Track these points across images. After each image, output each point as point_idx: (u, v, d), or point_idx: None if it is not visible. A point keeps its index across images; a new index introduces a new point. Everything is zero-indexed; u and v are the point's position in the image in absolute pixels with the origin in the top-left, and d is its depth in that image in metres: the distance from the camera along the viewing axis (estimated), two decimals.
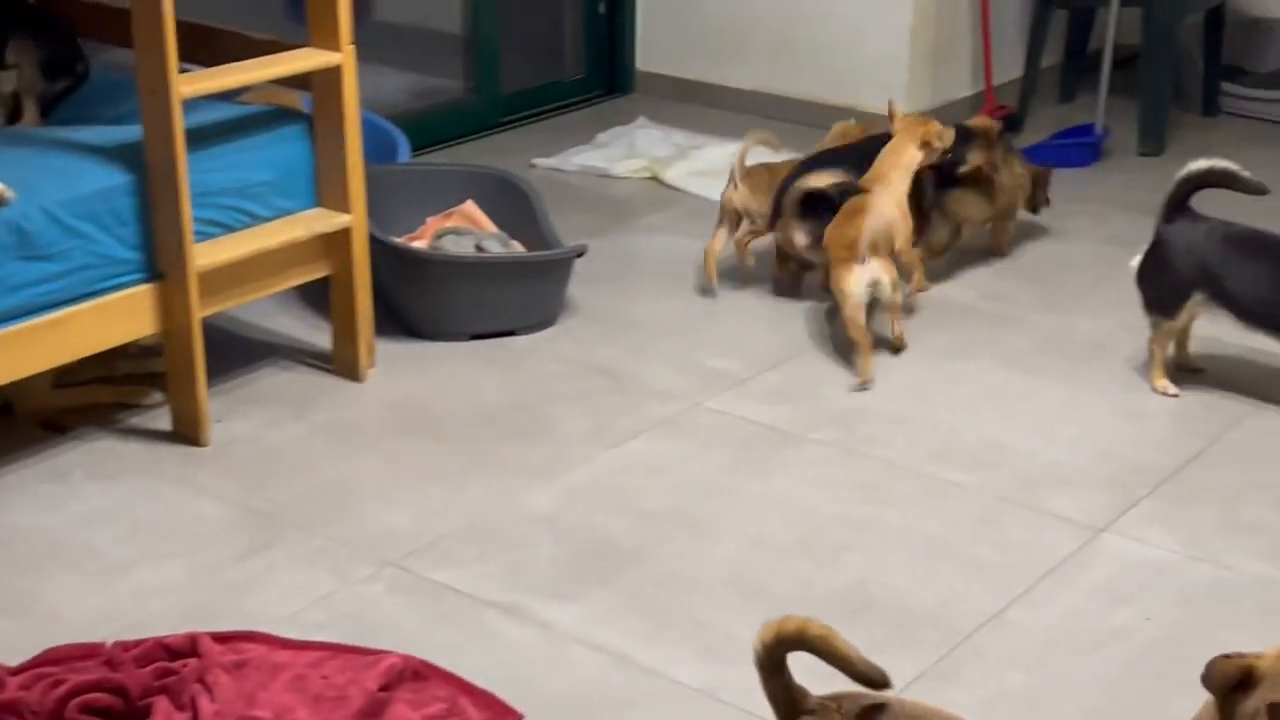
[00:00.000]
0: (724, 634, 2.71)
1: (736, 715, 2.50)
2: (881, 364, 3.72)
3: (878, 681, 1.97)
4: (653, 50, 5.61)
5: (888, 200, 3.70)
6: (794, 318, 3.96)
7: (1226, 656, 1.88)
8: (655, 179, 4.90)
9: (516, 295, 3.85)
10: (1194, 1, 5.25)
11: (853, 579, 2.88)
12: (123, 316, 3.15)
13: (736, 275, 4.16)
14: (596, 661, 2.63)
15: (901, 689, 2.55)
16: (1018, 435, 3.38)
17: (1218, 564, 2.92)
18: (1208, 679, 1.89)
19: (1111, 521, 3.05)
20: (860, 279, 3.57)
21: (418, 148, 4.64)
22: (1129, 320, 3.91)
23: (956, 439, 3.37)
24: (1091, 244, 4.46)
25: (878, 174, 3.77)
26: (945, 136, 3.86)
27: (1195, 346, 3.69)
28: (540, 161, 5.00)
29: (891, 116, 3.90)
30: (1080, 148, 5.09)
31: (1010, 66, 5.42)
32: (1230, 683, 1.87)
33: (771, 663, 2.00)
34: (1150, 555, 2.95)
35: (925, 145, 3.81)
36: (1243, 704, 1.86)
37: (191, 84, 3.13)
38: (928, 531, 3.03)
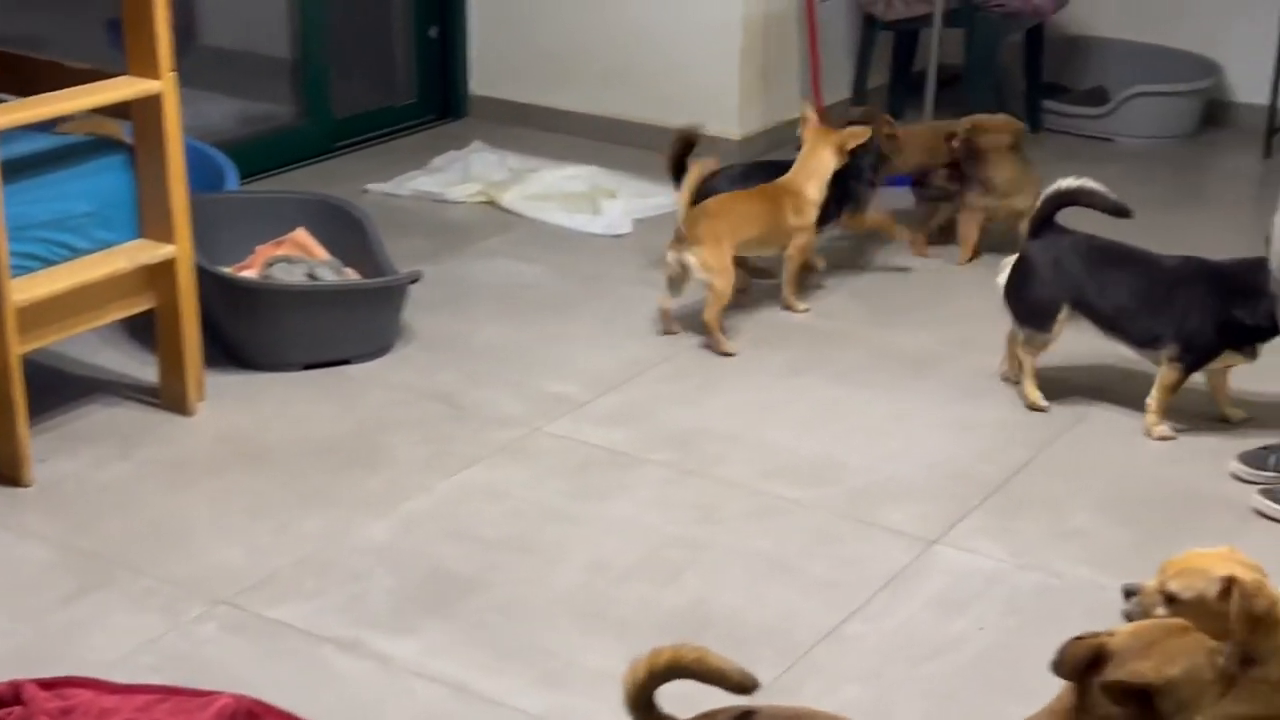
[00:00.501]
0: (565, 660, 2.70)
1: None
2: (718, 384, 3.75)
3: (749, 687, 1.98)
4: (486, 74, 5.60)
5: (752, 203, 4.04)
6: (631, 340, 3.98)
7: (1079, 638, 1.92)
8: (491, 203, 4.89)
9: (351, 323, 3.81)
10: (1014, 21, 5.39)
11: (692, 598, 2.89)
12: None
13: (569, 299, 4.17)
14: (436, 693, 2.61)
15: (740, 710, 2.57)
16: (851, 451, 3.43)
17: (1046, 571, 3.00)
18: (1059, 665, 1.94)
19: (943, 533, 3.11)
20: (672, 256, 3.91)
21: (248, 175, 4.57)
22: (957, 335, 4.02)
23: (792, 456, 3.41)
24: (920, 260, 4.55)
25: (790, 182, 4.10)
26: (858, 136, 4.15)
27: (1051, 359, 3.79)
28: (374, 187, 4.96)
29: (804, 122, 4.20)
30: None
31: (839, 87, 5.51)
32: (1082, 664, 1.92)
33: (644, 700, 1.98)
34: (981, 565, 3.01)
35: (840, 150, 4.11)
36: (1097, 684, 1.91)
37: (5, 114, 3.05)
38: (765, 549, 3.06)
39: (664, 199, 4.86)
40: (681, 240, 3.89)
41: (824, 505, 3.21)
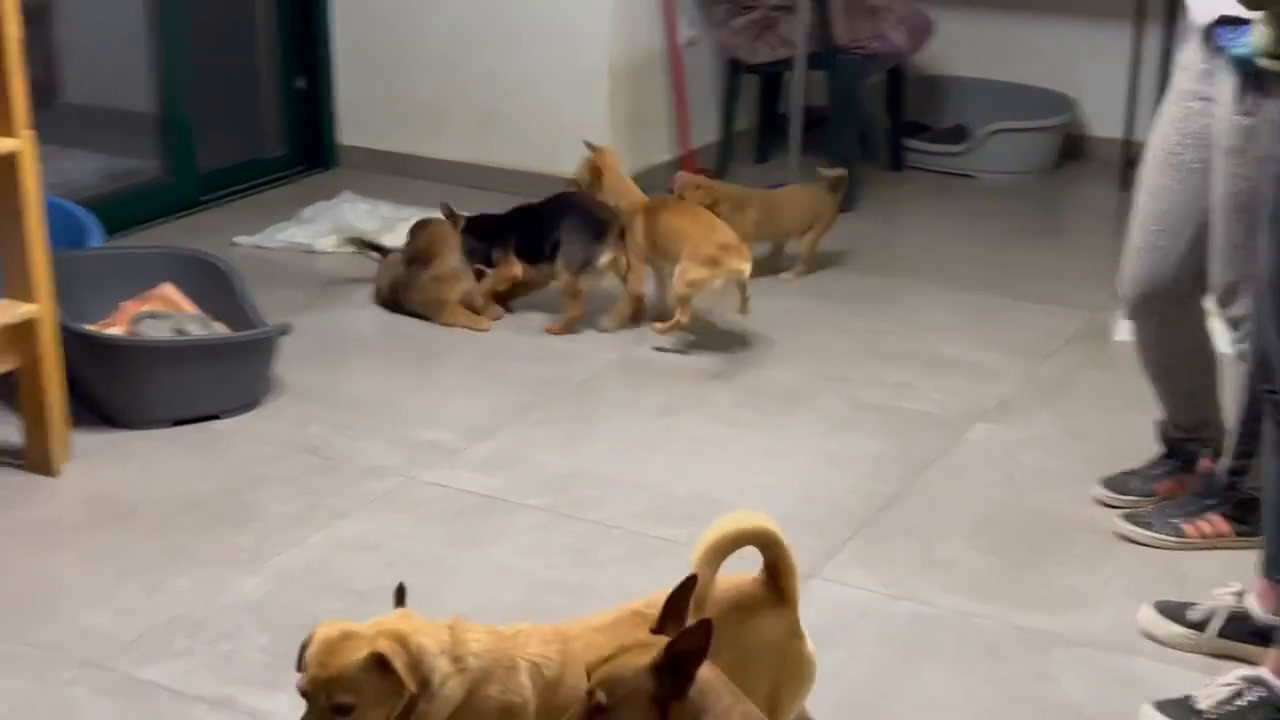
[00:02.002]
0: None
1: None
2: (595, 426, 3.77)
3: None
4: (354, 123, 5.60)
5: None
6: (503, 385, 3.99)
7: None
8: (361, 254, 4.87)
9: (220, 377, 3.77)
10: (874, 63, 5.51)
11: None
12: None
13: (441, 347, 4.18)
14: None
15: None
16: (726, 488, 3.47)
17: (917, 600, 3.04)
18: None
19: (818, 568, 3.14)
20: None
21: (114, 230, 4.52)
22: (825, 370, 4.08)
23: (667, 496, 3.44)
24: (791, 298, 4.62)
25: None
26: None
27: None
28: (242, 240, 4.92)
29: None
30: None
31: (707, 130, 5.59)
32: None
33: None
34: (855, 597, 3.05)
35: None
36: None
37: None
38: (642, 589, 3.05)
39: None
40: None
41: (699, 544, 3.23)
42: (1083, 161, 5.99)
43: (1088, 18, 5.88)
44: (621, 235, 4.30)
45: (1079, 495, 3.44)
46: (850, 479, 3.52)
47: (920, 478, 3.53)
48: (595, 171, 4.44)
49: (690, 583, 1.97)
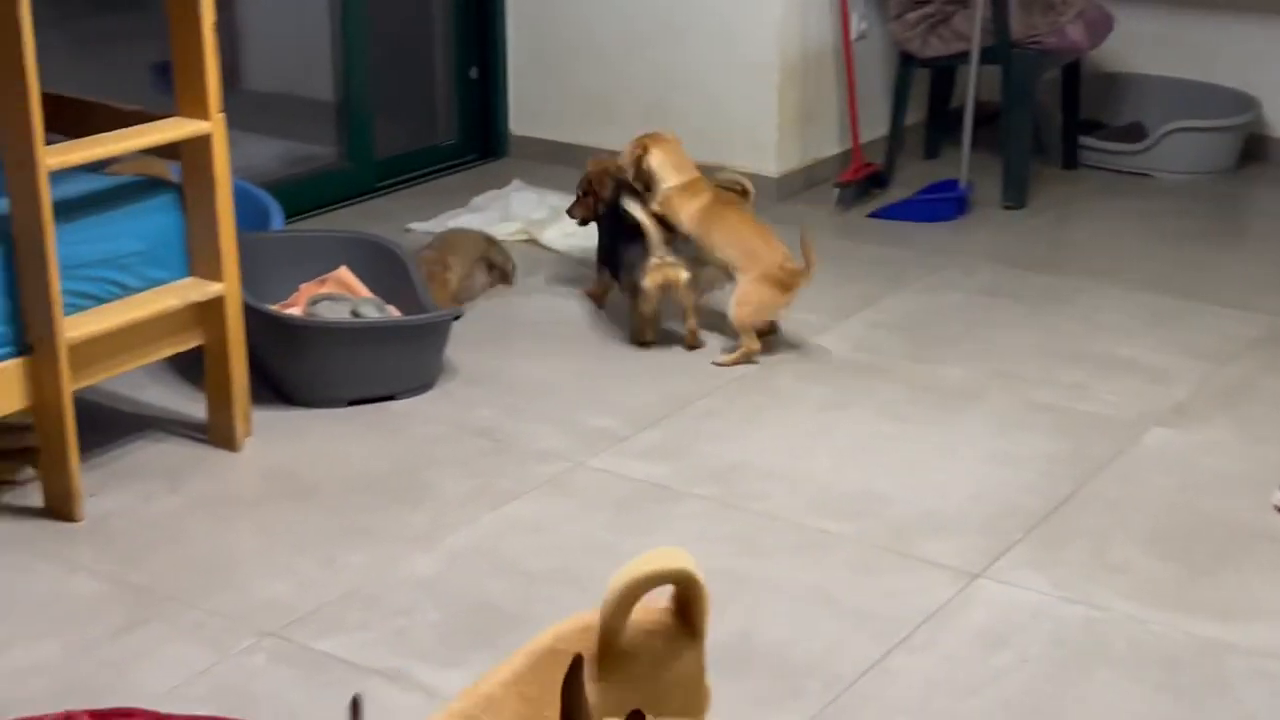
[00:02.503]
0: None
1: None
2: (760, 418, 3.77)
3: None
4: (526, 114, 5.66)
5: None
6: (671, 375, 4.00)
7: None
8: (531, 241, 4.93)
9: (394, 359, 3.85)
10: (1051, 59, 5.41)
11: (735, 631, 2.89)
12: None
13: (609, 334, 4.20)
14: None
15: None
16: (893, 484, 3.44)
17: (1089, 605, 2.99)
18: None
19: (986, 566, 3.11)
20: None
21: (292, 215, 4.63)
22: (994, 368, 4.02)
23: (833, 489, 3.42)
24: (959, 294, 4.57)
25: None
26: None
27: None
28: (416, 226, 5.01)
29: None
30: (946, 202, 5.21)
31: (876, 125, 5.54)
32: None
33: None
34: (1025, 598, 3.01)
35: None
36: None
37: (58, 155, 3.09)
38: (807, 582, 3.07)
39: None
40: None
41: (866, 538, 3.22)
42: (1264, 164, 5.82)
43: (1273, 15, 5.71)
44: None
45: (1259, 502, 3.35)
46: (1022, 478, 3.47)
47: (1094, 480, 3.47)
48: (638, 158, 4.22)
49: (576, 669, 1.83)
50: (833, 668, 2.79)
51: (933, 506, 3.35)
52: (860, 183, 5.30)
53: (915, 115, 5.71)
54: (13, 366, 3.14)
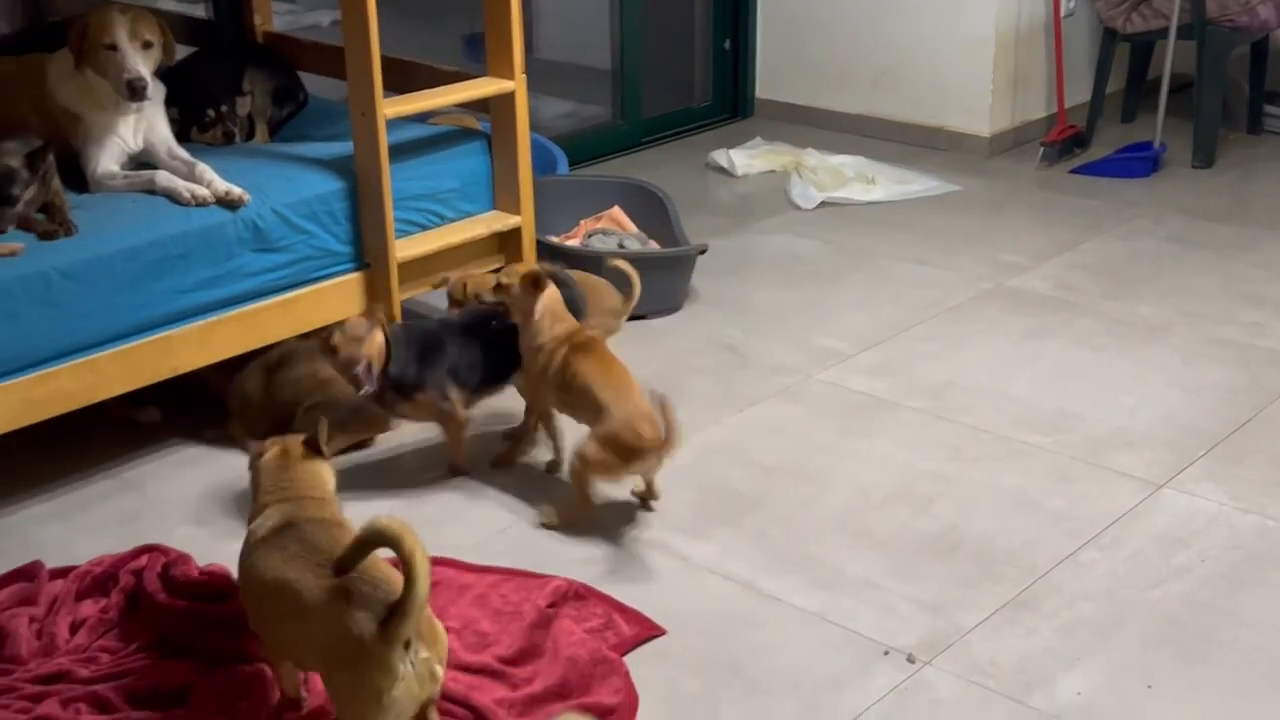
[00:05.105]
0: (833, 568, 2.71)
1: (842, 635, 2.50)
2: (968, 343, 3.68)
3: None
4: (771, 80, 5.59)
5: None
6: (890, 304, 3.93)
7: None
8: (772, 171, 4.90)
9: (649, 285, 3.84)
10: (1241, 35, 5.09)
11: (943, 524, 2.86)
12: (336, 300, 3.22)
13: (837, 270, 4.15)
14: (727, 589, 2.65)
15: (986, 617, 2.54)
16: (1087, 404, 3.32)
17: (1263, 515, 2.85)
18: None
19: (1170, 478, 2.99)
20: None
21: (574, 163, 4.68)
22: (1183, 307, 3.84)
23: (1033, 407, 3.32)
24: (1150, 241, 4.36)
25: None
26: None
27: None
28: (716, 158, 5.02)
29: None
30: (1140, 161, 4.98)
31: (1080, 91, 5.30)
32: None
33: None
34: (1204, 507, 2.89)
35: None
36: None
37: (394, 106, 3.19)
38: (1008, 485, 3.00)
39: (919, 186, 4.80)
40: None
41: (1062, 450, 3.12)
42: None
43: None
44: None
45: None
46: (1204, 404, 3.32)
47: (1270, 408, 3.29)
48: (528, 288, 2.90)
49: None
50: (1029, 559, 2.72)
51: (1123, 425, 3.23)
52: (1064, 142, 5.10)
53: (1115, 84, 5.45)
54: (354, 280, 3.26)
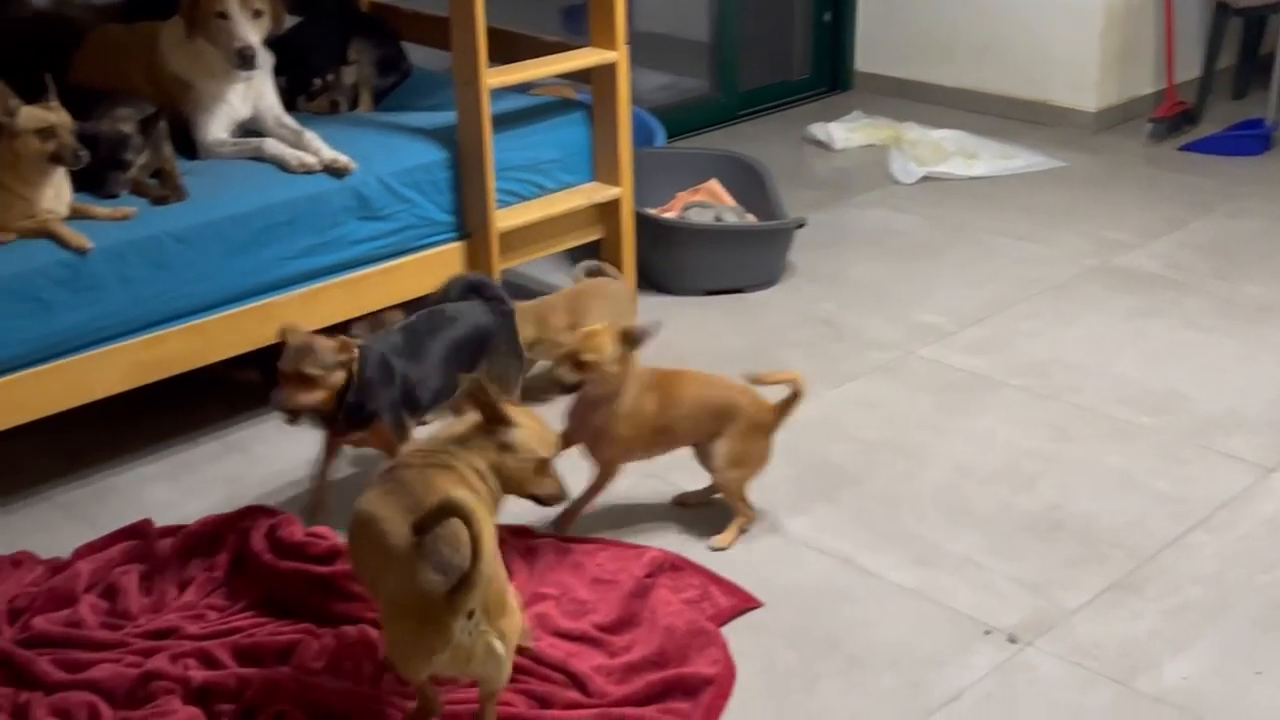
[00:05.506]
0: (932, 545, 2.68)
1: (941, 612, 2.47)
2: (1073, 321, 3.61)
3: None
4: (871, 53, 5.51)
5: None
6: (992, 280, 3.87)
7: None
8: (871, 145, 4.85)
9: (746, 258, 3.84)
10: None
11: (1046, 503, 2.81)
12: (438, 268, 3.24)
13: (939, 245, 4.09)
14: (824, 563, 2.63)
15: (1090, 599, 2.50)
16: (1196, 384, 3.24)
17: None
18: None
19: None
20: None
21: (672, 135, 4.66)
22: None
23: (1139, 386, 3.25)
24: (1261, 221, 4.24)
25: None
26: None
27: None
28: (813, 129, 4.99)
29: None
30: (1252, 139, 4.84)
31: (1189, 67, 5.16)
32: None
33: None
34: None
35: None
36: None
37: (498, 76, 3.20)
38: (1113, 466, 2.94)
39: (1022, 161, 4.71)
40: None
41: (1169, 431, 3.05)
42: None
43: None
44: None
45: None
46: None
47: None
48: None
49: None
50: (1135, 540, 2.67)
51: (1232, 406, 3.15)
52: (1173, 119, 4.97)
53: (1225, 60, 5.30)
54: (455, 249, 3.29)
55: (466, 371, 2.43)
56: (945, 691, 2.28)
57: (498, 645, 1.99)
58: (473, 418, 2.19)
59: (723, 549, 2.65)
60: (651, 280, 3.82)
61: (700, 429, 2.67)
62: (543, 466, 2.21)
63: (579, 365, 2.53)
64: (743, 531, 2.70)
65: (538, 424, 2.23)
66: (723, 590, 2.51)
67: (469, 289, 2.85)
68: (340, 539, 2.55)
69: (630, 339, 2.54)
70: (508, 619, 2.01)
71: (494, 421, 2.17)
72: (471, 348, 2.75)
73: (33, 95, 2.75)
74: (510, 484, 2.19)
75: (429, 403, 2.71)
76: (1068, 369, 3.35)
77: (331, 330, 2.83)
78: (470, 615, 1.94)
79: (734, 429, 2.65)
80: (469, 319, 2.77)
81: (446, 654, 1.96)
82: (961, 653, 2.37)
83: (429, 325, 2.73)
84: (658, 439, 2.67)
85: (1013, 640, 2.39)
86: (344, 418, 2.56)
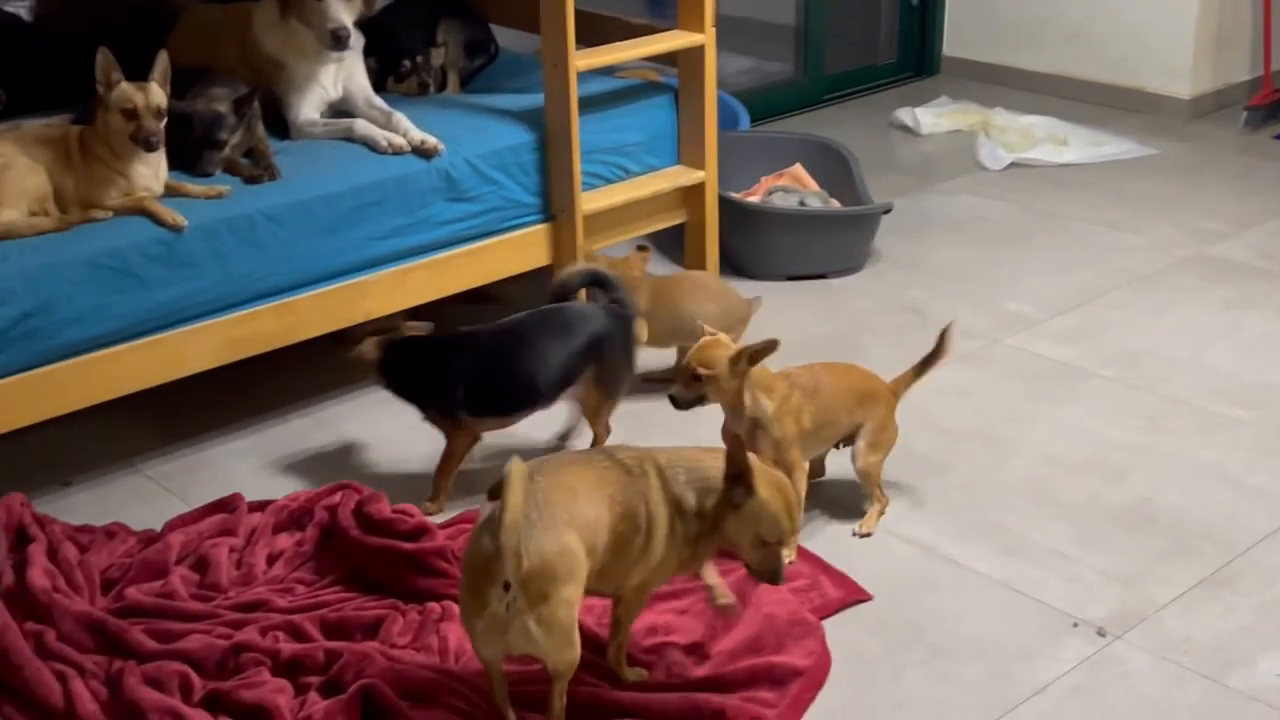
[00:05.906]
0: (1020, 536, 2.64)
1: (1028, 604, 2.44)
2: (1165, 311, 3.54)
3: None
4: (958, 37, 5.44)
5: None
6: (1083, 268, 3.80)
7: None
8: (958, 131, 4.79)
9: (830, 244, 3.81)
10: None
11: (1137, 496, 2.76)
12: (523, 250, 3.26)
13: (1027, 231, 4.03)
14: (910, 552, 2.61)
15: (1181, 593, 2.45)
16: None
17: None
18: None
19: None
20: None
21: (756, 119, 4.63)
22: None
23: (1234, 379, 3.18)
24: None
25: None
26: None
27: None
28: (899, 114, 4.95)
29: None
30: None
31: None
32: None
33: None
34: None
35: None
36: None
37: (586, 59, 3.19)
38: (1206, 459, 2.88)
39: (1114, 148, 4.62)
40: None
41: (1264, 425, 2.99)
42: None
43: None
44: None
45: None
46: None
47: None
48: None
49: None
50: (1227, 535, 2.61)
51: None
52: (1269, 107, 4.86)
53: None
54: (541, 230, 3.29)
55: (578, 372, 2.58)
56: (1032, 683, 2.25)
57: (534, 628, 1.96)
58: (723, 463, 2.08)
59: (868, 535, 2.63)
60: (734, 265, 3.81)
61: (850, 426, 2.65)
62: (760, 543, 2.08)
63: (693, 379, 2.48)
64: (881, 514, 2.67)
65: (779, 505, 2.07)
66: (833, 581, 2.48)
67: (591, 281, 2.84)
68: (427, 518, 2.58)
69: (752, 358, 2.48)
70: (547, 608, 1.97)
71: (736, 480, 2.07)
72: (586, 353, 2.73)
73: (142, 73, 2.80)
74: (725, 540, 2.12)
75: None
76: (1159, 360, 3.28)
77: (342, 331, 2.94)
78: (507, 587, 1.93)
79: (875, 412, 2.65)
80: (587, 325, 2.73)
81: (483, 621, 1.96)
82: (1049, 645, 2.33)
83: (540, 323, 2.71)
84: (816, 436, 2.61)
85: (1101, 634, 2.35)
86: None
